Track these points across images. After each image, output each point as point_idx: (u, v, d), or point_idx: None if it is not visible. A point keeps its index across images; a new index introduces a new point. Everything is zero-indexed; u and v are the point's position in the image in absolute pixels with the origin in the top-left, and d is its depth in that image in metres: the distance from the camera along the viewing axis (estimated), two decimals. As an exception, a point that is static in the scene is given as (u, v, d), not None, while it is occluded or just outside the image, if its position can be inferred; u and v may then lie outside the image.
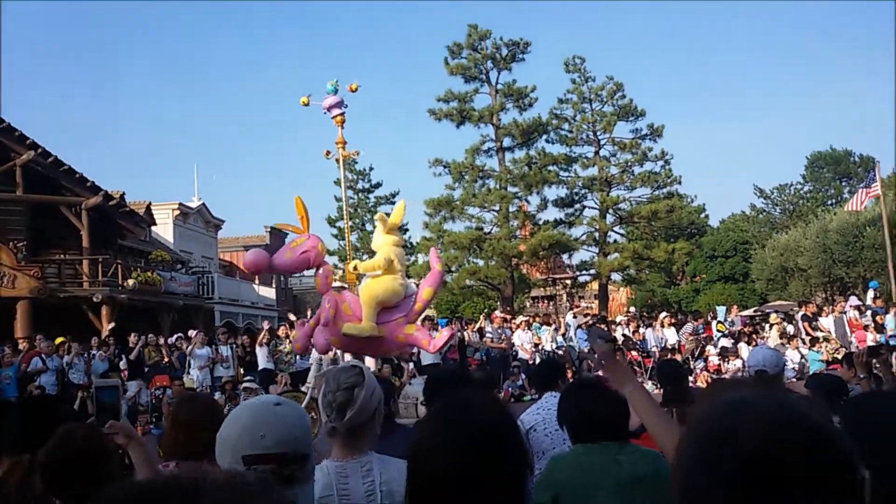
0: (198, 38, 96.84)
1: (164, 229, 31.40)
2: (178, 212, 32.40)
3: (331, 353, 10.31)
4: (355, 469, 2.36)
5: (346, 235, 9.77)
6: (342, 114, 9.15)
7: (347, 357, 11.03)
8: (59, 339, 16.44)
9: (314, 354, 9.63)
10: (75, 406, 13.47)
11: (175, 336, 18.60)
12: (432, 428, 1.68)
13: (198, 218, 34.47)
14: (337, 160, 9.14)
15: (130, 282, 21.71)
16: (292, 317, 18.43)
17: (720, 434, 0.98)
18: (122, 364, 16.27)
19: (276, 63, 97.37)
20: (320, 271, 8.29)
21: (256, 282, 34.70)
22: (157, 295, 22.99)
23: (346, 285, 9.18)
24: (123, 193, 23.16)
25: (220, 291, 30.12)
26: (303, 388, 11.06)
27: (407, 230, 37.89)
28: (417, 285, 9.08)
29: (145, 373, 16.34)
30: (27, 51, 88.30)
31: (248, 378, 14.87)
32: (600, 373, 2.42)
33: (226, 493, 0.78)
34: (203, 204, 34.85)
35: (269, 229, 46.15)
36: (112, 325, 19.27)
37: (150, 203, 27.18)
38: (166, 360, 16.87)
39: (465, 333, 18.89)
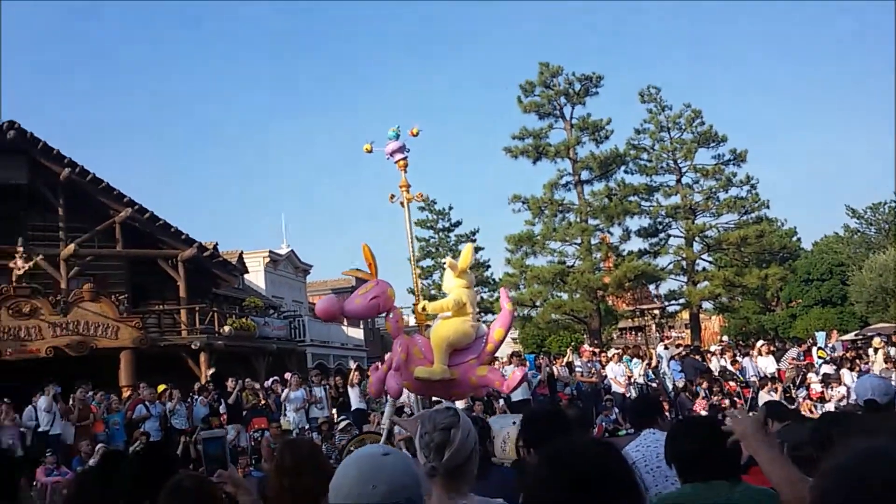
0: (279, 89, 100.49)
1: (255, 276, 32.40)
2: (268, 259, 33.41)
3: (403, 397, 10.29)
4: None
5: (414, 276, 9.72)
6: (405, 158, 9.23)
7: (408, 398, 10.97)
8: (161, 387, 17.06)
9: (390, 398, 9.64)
10: (178, 451, 13.92)
11: (271, 379, 19.07)
12: (544, 473, 1.68)
13: (287, 264, 35.44)
14: (402, 203, 9.20)
15: (226, 328, 22.44)
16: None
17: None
18: (222, 408, 16.73)
19: (355, 108, 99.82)
20: (391, 316, 8.31)
21: (345, 323, 35.32)
22: (252, 340, 23.66)
23: (428, 323, 9.18)
24: (216, 244, 24.07)
25: (311, 334, 30.77)
26: (371, 430, 10.94)
27: (489, 267, 37.99)
28: (489, 326, 9.01)
29: (243, 416, 16.78)
30: (124, 110, 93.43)
31: (342, 418, 15.09)
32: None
33: None
34: (292, 250, 35.83)
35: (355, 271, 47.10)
36: (212, 370, 19.93)
37: (241, 252, 28.13)
38: (263, 402, 17.30)
39: (553, 368, 18.70)
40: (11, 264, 18.96)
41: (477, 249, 37.85)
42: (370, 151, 9.20)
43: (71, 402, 15.43)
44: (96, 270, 22.44)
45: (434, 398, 8.49)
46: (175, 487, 2.60)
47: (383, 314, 8.43)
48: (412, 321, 12.03)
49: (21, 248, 19.06)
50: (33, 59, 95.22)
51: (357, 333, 37.03)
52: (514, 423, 7.97)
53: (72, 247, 21.01)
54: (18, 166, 20.72)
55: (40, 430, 14.94)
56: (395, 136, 9.16)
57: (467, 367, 8.16)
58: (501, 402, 16.68)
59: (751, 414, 2.35)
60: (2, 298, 18.60)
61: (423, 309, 8.72)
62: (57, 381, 15.61)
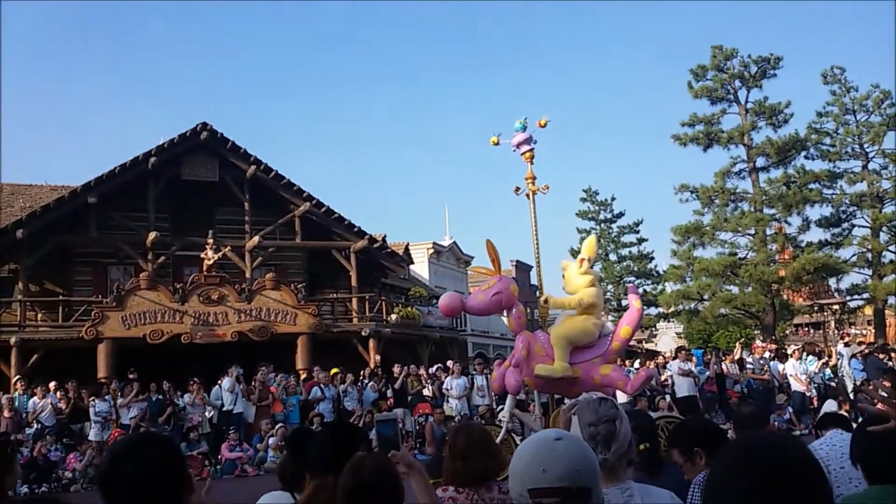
0: (447, 83, 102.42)
1: (420, 267, 33.36)
2: (432, 250, 34.29)
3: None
4: (616, 495, 2.39)
5: (538, 269, 9.47)
6: (531, 150, 9.09)
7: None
8: (333, 370, 18.03)
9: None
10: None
11: (434, 367, 19.62)
12: (735, 466, 1.55)
13: (450, 255, 36.21)
14: (527, 195, 9.07)
15: (393, 317, 23.30)
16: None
17: None
18: (389, 393, 17.44)
19: (520, 97, 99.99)
20: (513, 312, 8.21)
21: (505, 314, 35.66)
22: (417, 328, 24.40)
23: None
24: (385, 236, 24.98)
25: (472, 324, 31.28)
26: (496, 422, 10.84)
27: (652, 258, 37.00)
28: (615, 323, 8.70)
29: (409, 401, 17.41)
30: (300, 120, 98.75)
31: (502, 408, 15.27)
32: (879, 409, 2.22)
33: None
34: (454, 242, 36.55)
35: (514, 263, 47.25)
36: (378, 357, 20.77)
37: (408, 244, 29.00)
38: (426, 389, 17.85)
39: (722, 365, 17.99)
40: (203, 255, 20.57)
41: (640, 241, 37.02)
42: (497, 144, 9.14)
43: (253, 383, 16.62)
44: (277, 261, 23.98)
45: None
46: (358, 464, 2.71)
47: (506, 311, 8.30)
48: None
49: (211, 241, 20.60)
50: (227, 64, 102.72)
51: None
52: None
53: (256, 239, 22.56)
54: (210, 164, 22.51)
55: (224, 408, 16.19)
56: (522, 127, 9.04)
57: (590, 366, 7.92)
58: (668, 398, 16.26)
59: None
60: (194, 286, 20.23)
61: (546, 301, 8.53)
62: (240, 364, 16.88)
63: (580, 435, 2.46)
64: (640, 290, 36.59)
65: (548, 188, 9.14)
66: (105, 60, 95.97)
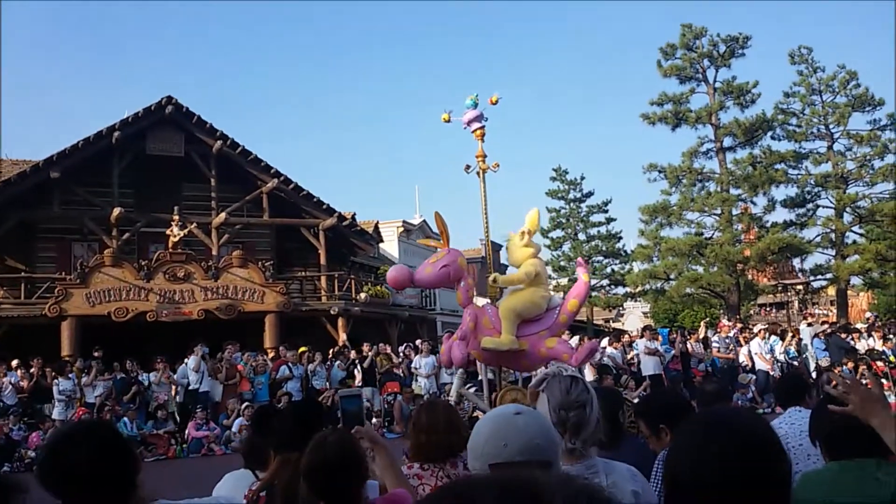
0: (416, 59, 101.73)
1: (390, 246, 33.24)
2: (402, 229, 34.17)
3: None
4: (580, 472, 2.37)
5: (488, 244, 9.45)
6: (482, 127, 9.04)
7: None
8: (301, 349, 17.98)
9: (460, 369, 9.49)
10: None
11: (403, 346, 19.63)
12: (694, 440, 1.59)
13: (419, 234, 36.11)
14: (477, 173, 9.04)
15: (362, 295, 23.22)
16: None
17: None
18: (357, 371, 17.43)
19: (490, 77, 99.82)
20: (461, 285, 8.24)
21: (474, 293, 35.74)
22: (386, 307, 24.37)
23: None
24: (354, 214, 24.85)
25: (442, 303, 31.32)
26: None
27: (620, 238, 37.22)
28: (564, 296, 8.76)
29: (378, 380, 17.42)
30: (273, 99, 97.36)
31: (470, 385, 15.34)
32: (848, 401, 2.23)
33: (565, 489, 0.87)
34: (424, 221, 36.46)
35: (483, 242, 47.36)
36: (344, 336, 20.73)
37: (377, 222, 28.91)
38: (395, 367, 17.87)
39: (687, 344, 18.23)
40: (168, 231, 20.29)
41: (609, 220, 37.18)
42: (448, 121, 9.04)
43: (219, 361, 16.50)
44: (245, 238, 23.76)
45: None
46: (321, 441, 2.71)
47: (454, 283, 8.32)
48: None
49: (177, 217, 20.32)
50: (196, 36, 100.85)
51: (485, 302, 37.29)
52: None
53: (223, 215, 22.30)
54: (175, 139, 22.17)
55: (190, 387, 16.06)
56: (473, 104, 8.96)
57: (537, 339, 7.97)
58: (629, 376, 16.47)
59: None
60: (159, 264, 19.97)
61: (495, 281, 8.57)
62: (207, 343, 16.73)
63: (547, 413, 2.45)
64: (609, 269, 37.00)
65: (498, 166, 9.04)
66: (70, 32, 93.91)
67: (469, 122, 8.92)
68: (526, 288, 7.99)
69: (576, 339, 18.90)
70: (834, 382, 2.42)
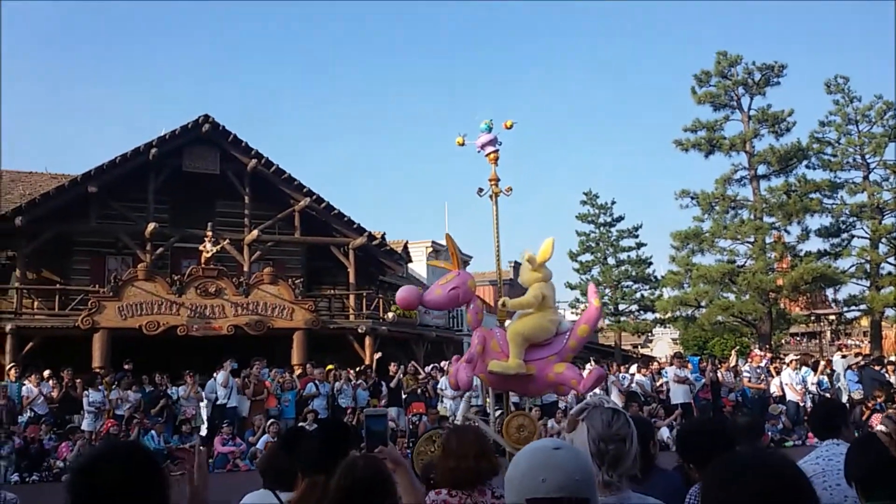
0: (447, 81, 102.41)
1: (419, 266, 33.28)
2: (430, 249, 34.20)
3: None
4: None
5: (498, 268, 9.40)
6: (496, 151, 9.03)
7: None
8: (329, 367, 18.01)
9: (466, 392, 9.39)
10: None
11: (430, 366, 19.56)
12: (722, 484, 1.61)
13: (448, 255, 36.20)
14: (490, 197, 9.03)
15: (390, 315, 23.27)
16: None
17: None
18: (383, 391, 17.39)
19: (517, 101, 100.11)
20: (471, 307, 8.20)
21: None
22: (413, 327, 24.36)
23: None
24: (384, 234, 24.93)
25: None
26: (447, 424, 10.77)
27: (650, 264, 36.94)
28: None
29: (403, 400, 17.37)
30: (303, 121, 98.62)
31: (497, 407, 15.24)
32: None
33: None
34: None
35: (512, 264, 47.20)
36: (379, 354, 20.72)
37: (407, 242, 28.94)
38: (421, 388, 17.79)
39: (718, 373, 17.98)
40: (201, 247, 20.54)
41: (639, 245, 36.94)
42: (462, 144, 9.05)
43: (247, 377, 16.57)
44: (275, 255, 23.94)
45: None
46: (351, 465, 2.71)
47: (463, 306, 8.30)
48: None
49: (210, 233, 20.57)
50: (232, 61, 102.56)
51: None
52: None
53: (255, 233, 22.52)
54: (211, 157, 22.48)
55: (218, 402, 16.13)
56: (487, 128, 8.97)
57: (545, 364, 7.89)
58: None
59: None
60: (191, 279, 20.21)
61: (503, 305, 8.53)
62: (235, 358, 16.83)
63: (585, 442, 2.44)
64: (638, 294, 36.69)
65: (511, 190, 9.05)
66: (108, 49, 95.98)
67: (483, 146, 8.95)
68: (535, 312, 7.94)
69: (633, 369, 18.79)
70: (876, 422, 2.37)
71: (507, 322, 8.39)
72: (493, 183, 8.98)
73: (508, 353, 7.85)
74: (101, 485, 1.98)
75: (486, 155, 9.00)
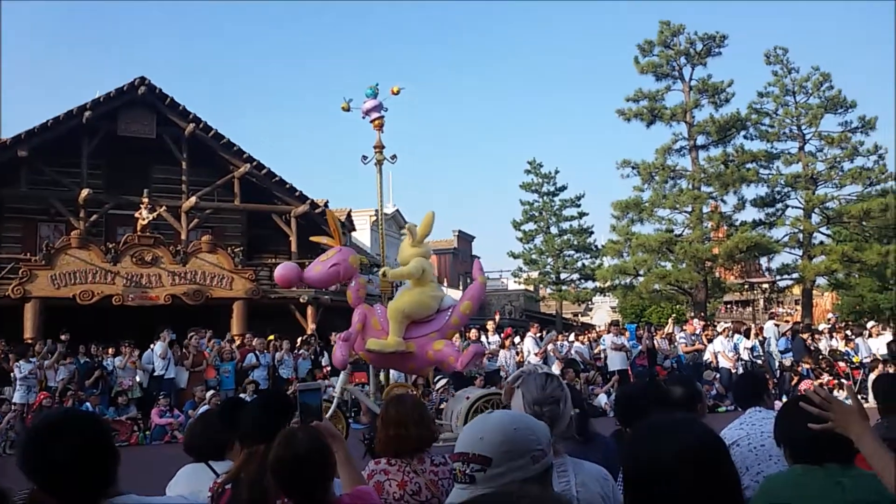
0: (391, 47, 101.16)
1: (362, 235, 33.11)
2: (374, 218, 34.00)
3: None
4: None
5: (381, 240, 9.42)
6: (381, 117, 8.94)
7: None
8: (270, 337, 17.82)
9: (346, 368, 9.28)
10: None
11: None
12: (648, 444, 1.71)
13: (392, 223, 36.04)
14: (375, 164, 8.98)
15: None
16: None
17: None
18: (325, 361, 17.30)
19: (467, 69, 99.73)
20: (351, 284, 8.11)
21: (445, 284, 35.73)
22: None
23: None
24: (327, 201, 24.63)
25: (413, 293, 31.24)
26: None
27: (592, 233, 37.43)
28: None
29: (346, 370, 17.29)
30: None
31: (439, 377, 15.32)
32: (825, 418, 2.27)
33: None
34: (397, 210, 36.35)
35: (456, 233, 47.34)
36: (313, 325, 20.59)
37: (350, 210, 28.70)
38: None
39: (654, 340, 18.40)
40: (137, 214, 19.99)
41: (581, 215, 37.38)
42: (348, 110, 8.92)
43: (186, 348, 16.29)
44: (214, 223, 23.48)
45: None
46: (290, 436, 2.70)
47: (345, 282, 8.19)
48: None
49: (146, 200, 20.04)
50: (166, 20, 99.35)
51: (458, 294, 37.32)
52: (466, 397, 7.71)
53: (193, 199, 22.00)
54: (147, 121, 21.81)
55: (155, 373, 15.83)
56: (372, 94, 8.84)
57: (426, 341, 7.84)
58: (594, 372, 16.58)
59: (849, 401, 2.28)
60: (127, 247, 19.67)
61: (384, 275, 8.51)
62: (173, 328, 16.52)
63: (521, 408, 2.50)
64: (579, 263, 37.19)
65: (395, 158, 8.96)
66: (43, 7, 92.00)
67: (368, 112, 8.78)
68: (415, 287, 7.86)
69: (571, 337, 19.06)
70: (809, 386, 2.45)
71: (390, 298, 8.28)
72: (377, 150, 8.84)
73: (388, 330, 7.74)
74: (53, 452, 1.98)
75: (372, 121, 8.81)
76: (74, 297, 18.76)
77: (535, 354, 16.86)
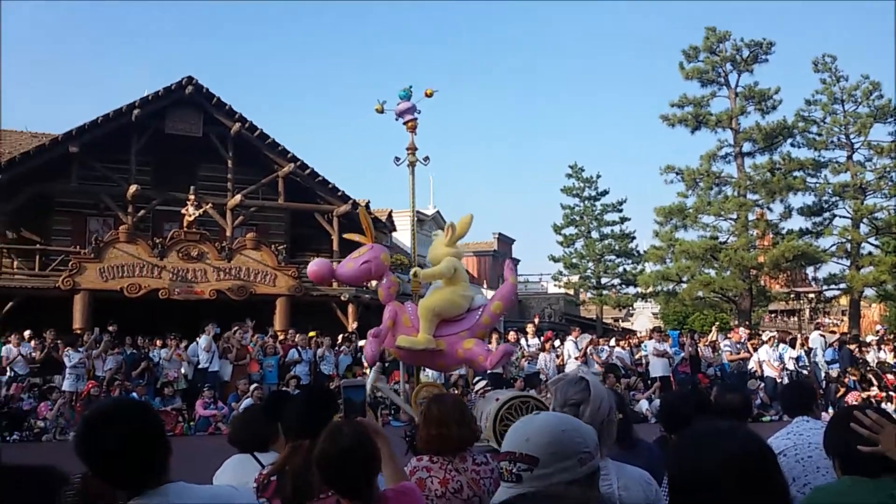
0: (436, 51, 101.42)
1: (403, 235, 33.20)
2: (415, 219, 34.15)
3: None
4: None
5: (413, 242, 9.36)
6: (414, 119, 8.91)
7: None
8: (311, 333, 18.03)
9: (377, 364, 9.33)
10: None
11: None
12: (691, 452, 1.72)
13: (432, 225, 36.14)
14: (408, 166, 8.94)
15: (373, 283, 23.21)
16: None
17: None
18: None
19: (510, 72, 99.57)
20: (383, 282, 8.09)
21: (484, 286, 35.68)
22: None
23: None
24: (369, 202, 24.81)
25: (453, 294, 31.25)
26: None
27: (633, 238, 37.06)
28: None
29: (385, 368, 17.43)
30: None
31: (479, 378, 15.33)
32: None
33: None
34: (438, 211, 36.43)
35: (496, 236, 47.22)
36: (355, 323, 20.73)
37: (391, 210, 28.87)
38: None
39: (697, 347, 18.18)
40: (183, 210, 20.37)
41: (623, 220, 37.02)
42: (381, 112, 8.89)
43: (227, 341, 16.56)
44: (259, 221, 23.81)
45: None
46: (336, 430, 2.72)
47: (376, 280, 8.18)
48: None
49: (193, 197, 20.40)
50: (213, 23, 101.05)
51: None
52: (496, 398, 7.66)
53: (238, 197, 22.35)
54: (194, 120, 22.23)
55: (200, 366, 16.15)
56: (405, 95, 8.80)
57: (456, 339, 7.79)
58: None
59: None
60: (173, 242, 20.05)
61: (415, 275, 8.46)
62: (217, 323, 16.79)
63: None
64: (621, 268, 36.86)
65: (428, 160, 8.93)
66: (91, 8, 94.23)
67: (401, 114, 8.78)
68: (446, 286, 7.86)
69: (612, 342, 18.92)
70: (856, 398, 2.41)
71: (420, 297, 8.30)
72: (410, 152, 8.85)
73: (419, 327, 7.76)
74: (107, 439, 2.06)
75: (405, 123, 8.83)
76: (122, 289, 19.17)
77: (576, 358, 16.78)
